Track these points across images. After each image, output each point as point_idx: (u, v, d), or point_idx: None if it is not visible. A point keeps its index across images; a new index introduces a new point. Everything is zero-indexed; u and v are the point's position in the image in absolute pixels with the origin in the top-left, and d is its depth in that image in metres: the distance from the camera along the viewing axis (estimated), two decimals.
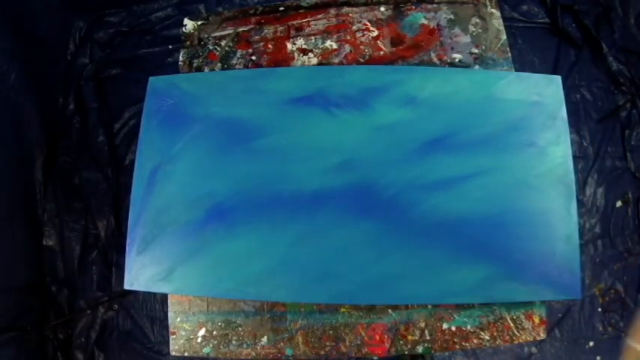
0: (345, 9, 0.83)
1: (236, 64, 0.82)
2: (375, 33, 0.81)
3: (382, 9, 0.83)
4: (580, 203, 1.15)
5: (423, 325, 0.71)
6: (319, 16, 0.83)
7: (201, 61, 0.83)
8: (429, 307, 0.71)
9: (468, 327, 0.70)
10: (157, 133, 0.73)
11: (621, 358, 0.56)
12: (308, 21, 0.83)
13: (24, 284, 1.11)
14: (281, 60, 0.81)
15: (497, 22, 0.80)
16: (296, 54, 0.81)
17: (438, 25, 0.81)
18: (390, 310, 0.71)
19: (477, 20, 0.81)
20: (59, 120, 1.28)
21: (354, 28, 0.82)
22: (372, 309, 0.71)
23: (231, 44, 0.83)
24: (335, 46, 0.81)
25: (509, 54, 0.79)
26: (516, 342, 0.70)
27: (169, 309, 0.74)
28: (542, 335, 0.70)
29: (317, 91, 0.71)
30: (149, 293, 1.16)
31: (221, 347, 0.72)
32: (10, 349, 1.03)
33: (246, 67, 0.81)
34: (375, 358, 0.85)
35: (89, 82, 1.29)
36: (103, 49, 1.34)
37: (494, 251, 0.65)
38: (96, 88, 1.29)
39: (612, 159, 1.19)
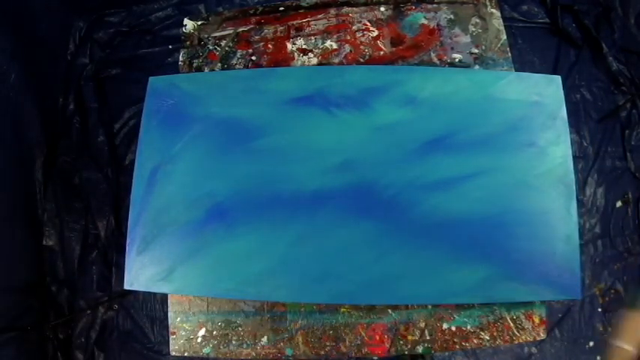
0: (345, 9, 0.83)
1: (236, 64, 0.82)
2: (375, 33, 0.81)
3: (382, 9, 0.83)
4: (580, 203, 1.15)
5: (423, 325, 0.71)
6: (319, 16, 0.83)
7: (201, 61, 0.83)
8: (429, 307, 0.71)
9: (468, 327, 0.70)
10: (157, 133, 0.73)
11: (607, 358, 0.56)
12: (308, 21, 0.83)
13: (24, 284, 1.11)
14: (281, 60, 0.81)
15: (497, 22, 0.80)
16: (296, 54, 0.81)
17: (438, 25, 0.81)
18: (390, 310, 0.71)
19: (477, 20, 0.81)
20: (59, 120, 1.28)
21: (354, 28, 0.82)
22: (372, 309, 0.71)
23: (231, 44, 0.83)
24: (335, 46, 0.81)
25: (509, 54, 0.79)
26: (516, 342, 0.70)
27: (169, 309, 0.74)
28: (542, 335, 0.70)
29: (317, 91, 0.71)
30: (149, 293, 1.16)
31: (221, 347, 0.72)
32: (10, 349, 1.03)
33: (246, 67, 0.81)
34: (375, 358, 0.85)
35: (89, 82, 1.29)
36: (103, 49, 1.34)
37: (494, 251, 0.65)
38: (96, 88, 1.29)
39: (612, 159, 1.19)
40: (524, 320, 0.70)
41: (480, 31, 0.80)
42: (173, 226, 0.69)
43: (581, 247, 1.03)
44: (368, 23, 0.82)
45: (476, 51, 0.79)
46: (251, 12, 0.85)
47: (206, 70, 0.82)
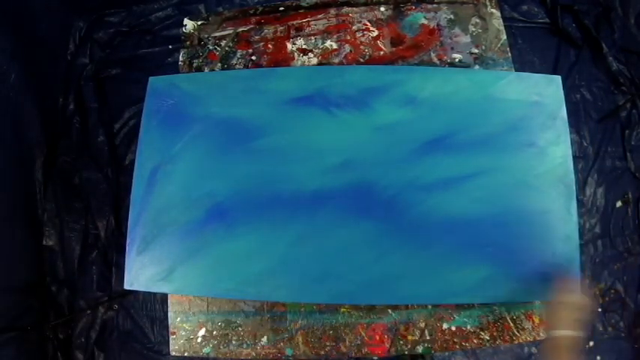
0: (345, 9, 0.83)
1: (236, 64, 0.82)
2: (375, 33, 0.81)
3: (382, 9, 0.83)
4: (580, 203, 1.14)
5: (423, 325, 0.71)
6: (319, 16, 0.83)
7: (201, 61, 0.83)
8: (429, 307, 0.71)
9: (468, 327, 0.70)
10: (157, 133, 0.73)
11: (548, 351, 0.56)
12: (308, 21, 0.83)
13: (24, 284, 1.11)
14: (281, 60, 0.81)
15: (497, 22, 0.80)
16: (296, 54, 0.81)
17: (438, 25, 0.81)
18: (390, 310, 0.71)
19: (477, 20, 0.81)
20: (59, 120, 1.28)
21: (354, 28, 0.82)
22: (372, 309, 0.71)
23: (231, 44, 0.83)
24: (335, 46, 0.81)
25: (509, 54, 0.79)
26: (516, 342, 0.70)
27: (169, 309, 0.74)
28: (542, 335, 0.70)
29: (317, 91, 0.71)
30: (149, 293, 1.15)
31: (221, 347, 0.72)
32: (10, 349, 1.03)
33: (246, 67, 0.81)
34: (375, 358, 0.85)
35: (89, 82, 1.28)
36: (103, 49, 1.34)
37: (494, 251, 0.65)
38: (96, 88, 1.29)
39: (612, 159, 1.19)
40: (524, 320, 0.70)
41: (480, 31, 0.80)
42: (173, 226, 0.69)
43: (581, 247, 1.03)
44: (368, 23, 0.82)
45: (476, 51, 0.79)
46: (251, 12, 0.85)
47: (206, 70, 0.82)
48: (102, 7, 1.35)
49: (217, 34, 0.84)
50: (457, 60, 0.79)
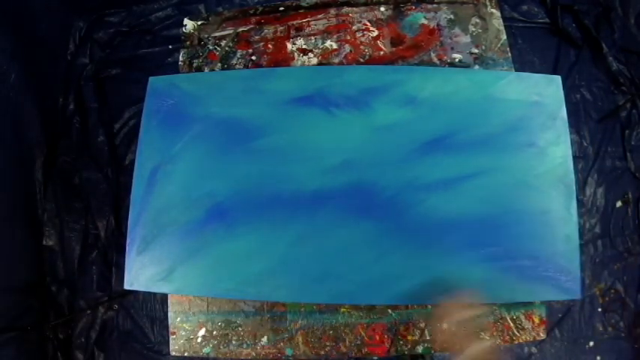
0: (345, 9, 0.83)
1: (236, 64, 0.82)
2: (375, 33, 0.81)
3: (382, 9, 0.83)
4: (580, 203, 1.14)
5: (423, 325, 0.71)
6: (319, 16, 0.83)
7: (201, 61, 0.83)
8: (429, 307, 0.71)
9: None
10: (157, 133, 0.73)
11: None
12: (308, 21, 0.83)
13: (24, 284, 1.11)
14: (281, 60, 0.81)
15: (497, 22, 0.80)
16: (296, 54, 0.81)
17: (438, 25, 0.81)
18: (390, 310, 0.71)
19: (477, 20, 0.81)
20: (59, 120, 1.28)
21: (354, 28, 0.82)
22: (372, 309, 0.71)
23: (231, 44, 0.83)
24: (335, 46, 0.81)
25: (509, 54, 0.79)
26: (516, 342, 0.70)
27: (169, 309, 0.74)
28: (542, 335, 0.70)
29: (317, 91, 0.71)
30: (149, 293, 1.15)
31: (221, 347, 0.72)
32: (10, 349, 1.03)
33: (246, 67, 0.81)
34: (375, 358, 0.85)
35: (89, 82, 1.28)
36: (103, 49, 1.34)
37: (494, 251, 0.65)
38: (96, 88, 1.29)
39: (612, 159, 1.19)
40: (524, 320, 0.70)
41: (480, 31, 0.80)
42: (173, 226, 0.69)
43: (581, 247, 1.03)
44: (368, 23, 0.82)
45: (476, 51, 0.79)
46: (251, 12, 0.85)
47: (206, 70, 0.82)
48: (102, 7, 1.34)
49: (217, 34, 0.84)
50: (457, 60, 0.79)
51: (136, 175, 0.72)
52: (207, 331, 0.73)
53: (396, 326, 0.71)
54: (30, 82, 1.14)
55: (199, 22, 0.85)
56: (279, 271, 0.66)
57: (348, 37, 0.81)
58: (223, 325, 0.73)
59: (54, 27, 1.26)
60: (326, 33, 0.82)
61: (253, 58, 0.82)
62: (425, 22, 0.81)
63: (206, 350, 0.72)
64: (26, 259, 1.15)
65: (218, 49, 0.83)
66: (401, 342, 0.70)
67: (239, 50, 0.83)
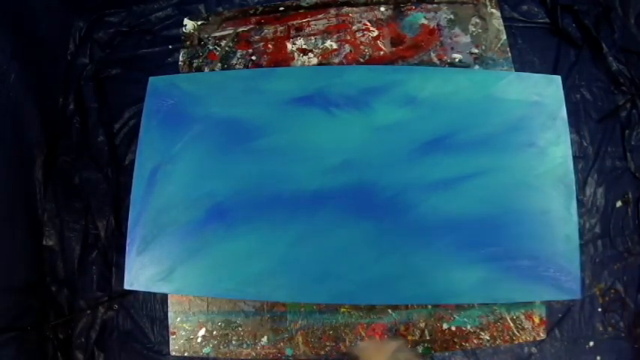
0: (345, 9, 0.83)
1: (236, 64, 0.82)
2: (375, 33, 0.81)
3: (382, 9, 0.83)
4: (580, 203, 1.14)
5: (423, 325, 0.71)
6: (319, 16, 0.83)
7: (201, 61, 0.83)
8: (429, 307, 0.71)
9: (468, 327, 0.70)
10: (157, 133, 0.73)
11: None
12: (308, 21, 0.83)
13: (24, 284, 1.11)
14: (281, 60, 0.81)
15: (497, 22, 0.80)
16: (296, 54, 0.81)
17: (438, 25, 0.81)
18: (390, 310, 0.71)
19: (477, 20, 0.81)
20: (59, 120, 1.27)
21: (354, 28, 0.82)
22: (372, 309, 0.71)
23: (231, 44, 0.83)
24: (335, 46, 0.81)
25: (509, 54, 0.79)
26: (516, 342, 0.70)
27: (169, 309, 0.74)
28: (542, 335, 0.70)
29: (317, 91, 0.71)
30: (149, 293, 1.15)
31: (221, 347, 0.72)
32: (10, 349, 1.03)
33: (246, 67, 0.81)
34: None
35: (89, 82, 1.28)
36: (103, 49, 1.33)
37: (495, 251, 0.65)
38: (96, 88, 1.28)
39: (612, 159, 1.19)
40: (524, 320, 0.70)
41: (479, 31, 0.80)
42: (173, 226, 0.69)
43: (581, 247, 1.02)
44: (368, 23, 0.82)
45: (476, 51, 0.79)
46: (251, 12, 0.85)
47: (206, 70, 0.82)
48: (102, 7, 1.34)
49: (217, 34, 0.84)
50: (457, 60, 0.79)
51: (136, 175, 0.72)
52: (207, 331, 0.73)
53: (396, 326, 0.71)
54: (30, 82, 1.14)
55: (199, 22, 0.85)
56: (279, 271, 0.66)
57: (348, 37, 0.81)
58: (223, 325, 0.73)
59: (54, 27, 1.26)
60: (326, 33, 0.82)
61: (253, 58, 0.82)
62: (425, 22, 0.81)
63: (206, 350, 0.72)
64: (26, 259, 1.14)
65: (218, 49, 0.83)
66: None
67: (239, 50, 0.83)
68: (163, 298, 1.11)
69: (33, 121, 1.17)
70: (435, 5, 0.82)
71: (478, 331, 0.70)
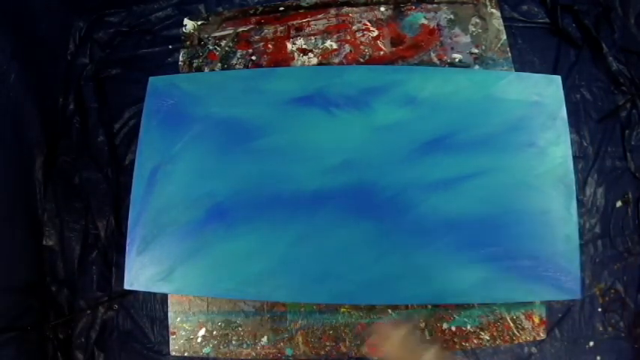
0: (345, 9, 0.83)
1: (236, 64, 0.82)
2: (375, 33, 0.81)
3: (382, 9, 0.83)
4: (580, 203, 1.14)
5: (423, 325, 0.71)
6: (319, 16, 0.83)
7: (201, 61, 0.83)
8: (429, 307, 0.71)
9: (468, 327, 0.70)
10: (157, 133, 0.73)
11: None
12: (308, 21, 0.83)
13: (24, 284, 1.11)
14: (281, 60, 0.81)
15: (497, 22, 0.80)
16: (296, 54, 0.81)
17: (438, 25, 0.81)
18: (390, 310, 0.71)
19: (477, 20, 0.81)
20: (59, 120, 1.27)
21: (354, 28, 0.82)
22: (372, 309, 0.71)
23: (231, 44, 0.83)
24: (335, 46, 0.81)
25: (509, 54, 0.79)
26: (516, 342, 0.70)
27: (169, 309, 0.74)
28: (542, 335, 0.70)
29: (317, 91, 0.71)
30: (149, 293, 1.15)
31: (221, 347, 0.72)
32: (10, 349, 1.03)
33: (246, 67, 0.81)
34: (375, 358, 0.85)
35: (89, 82, 1.28)
36: (103, 49, 1.33)
37: (495, 251, 0.65)
38: (96, 88, 1.29)
39: (612, 159, 1.19)
40: (524, 320, 0.70)
41: (479, 31, 0.80)
42: (173, 226, 0.69)
43: (581, 247, 1.02)
44: (368, 23, 0.82)
45: (476, 51, 0.79)
46: (251, 12, 0.85)
47: (206, 70, 0.82)
48: (102, 7, 1.34)
49: (217, 34, 0.84)
50: (457, 60, 0.79)
51: (136, 175, 0.72)
52: (207, 331, 0.73)
53: None
54: (30, 82, 1.14)
55: (199, 22, 0.85)
56: (279, 271, 0.66)
57: (348, 37, 0.81)
58: (223, 325, 0.73)
59: (54, 27, 1.26)
60: (326, 33, 0.82)
61: (253, 58, 0.82)
62: (425, 22, 0.81)
63: (206, 350, 0.72)
64: (26, 259, 1.14)
65: (218, 49, 0.83)
66: None
67: (239, 50, 0.83)
68: (163, 298, 1.11)
69: (33, 121, 1.17)
70: (435, 5, 0.82)
71: (478, 331, 0.70)
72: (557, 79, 0.71)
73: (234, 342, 0.72)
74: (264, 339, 0.72)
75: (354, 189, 0.67)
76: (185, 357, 0.74)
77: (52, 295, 1.19)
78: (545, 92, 0.70)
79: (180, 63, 0.83)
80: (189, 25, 0.85)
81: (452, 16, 0.81)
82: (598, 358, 1.09)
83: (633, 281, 1.13)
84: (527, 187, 0.66)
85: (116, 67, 1.32)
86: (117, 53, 1.33)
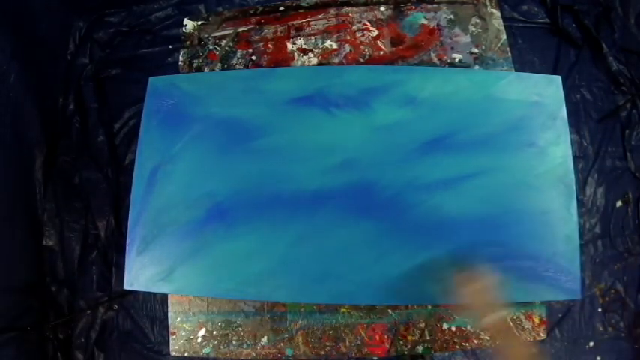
0: (345, 9, 0.83)
1: (236, 64, 0.82)
2: (375, 33, 0.81)
3: (382, 9, 0.83)
4: (580, 203, 1.14)
5: (423, 325, 0.71)
6: (319, 16, 0.83)
7: (201, 61, 0.83)
8: (429, 307, 0.71)
9: (468, 327, 0.70)
10: (157, 133, 0.73)
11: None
12: (308, 21, 0.83)
13: (24, 284, 1.11)
14: (281, 60, 0.81)
15: (497, 22, 0.80)
16: (296, 54, 0.81)
17: (438, 25, 0.81)
18: (390, 310, 0.71)
19: (477, 20, 0.81)
20: (59, 120, 1.28)
21: (354, 28, 0.82)
22: (372, 309, 0.71)
23: (231, 44, 0.83)
24: (335, 46, 0.81)
25: (509, 54, 0.79)
26: None
27: (169, 309, 0.74)
28: (542, 335, 0.70)
29: (317, 91, 0.71)
30: (149, 293, 1.16)
31: (221, 347, 0.72)
32: (10, 349, 1.03)
33: (246, 67, 0.81)
34: (375, 358, 0.85)
35: (89, 82, 1.29)
36: (103, 49, 1.34)
37: (495, 251, 0.65)
38: (96, 88, 1.29)
39: (612, 159, 1.19)
40: (524, 320, 0.70)
41: (479, 31, 0.80)
42: (173, 226, 0.69)
43: (581, 247, 1.03)
44: (368, 23, 0.82)
45: (476, 51, 0.79)
46: (251, 12, 0.85)
47: (206, 70, 0.82)
48: (102, 7, 1.35)
49: (217, 34, 0.84)
50: (457, 60, 0.79)
51: (136, 175, 0.72)
52: (207, 331, 0.73)
53: (396, 326, 0.71)
54: (30, 82, 1.14)
55: (199, 22, 0.85)
56: (279, 271, 0.66)
57: (348, 37, 0.81)
58: (223, 325, 0.73)
59: (54, 27, 1.26)
60: (326, 33, 0.82)
61: (253, 58, 0.82)
62: (425, 22, 0.81)
63: (206, 350, 0.72)
64: (26, 259, 1.15)
65: (218, 49, 0.83)
66: (401, 342, 0.70)
67: (239, 50, 0.83)
68: (163, 298, 1.12)
69: (33, 121, 1.17)
70: (435, 5, 0.82)
71: (478, 331, 0.70)
72: (557, 79, 0.71)
73: (234, 342, 0.72)
74: (264, 339, 0.72)
75: (354, 189, 0.67)
76: (185, 357, 0.74)
77: (52, 295, 1.19)
78: (545, 92, 0.70)
79: (180, 63, 0.83)
80: (189, 25, 0.85)
81: (452, 16, 0.81)
82: (598, 358, 1.09)
83: (633, 281, 1.13)
84: (527, 187, 0.66)
85: (116, 67, 1.32)
86: (117, 53, 1.33)
